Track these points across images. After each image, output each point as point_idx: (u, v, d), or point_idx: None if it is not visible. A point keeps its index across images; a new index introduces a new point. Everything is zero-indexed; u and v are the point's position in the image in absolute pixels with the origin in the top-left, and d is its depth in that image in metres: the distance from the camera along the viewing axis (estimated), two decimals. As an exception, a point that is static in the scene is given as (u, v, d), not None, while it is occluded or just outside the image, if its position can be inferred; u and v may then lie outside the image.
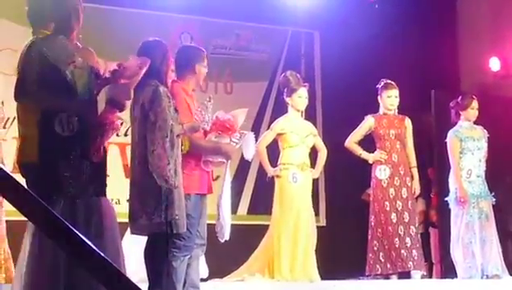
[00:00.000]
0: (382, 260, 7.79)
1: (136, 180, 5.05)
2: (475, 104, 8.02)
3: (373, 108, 8.10)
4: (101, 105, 4.30)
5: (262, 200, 8.73)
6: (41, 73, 4.23)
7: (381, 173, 7.89)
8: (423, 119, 8.90)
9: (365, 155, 8.00)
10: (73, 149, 4.21)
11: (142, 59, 4.63)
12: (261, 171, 9.27)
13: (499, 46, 9.65)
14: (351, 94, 9.54)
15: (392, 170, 7.88)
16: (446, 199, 8.02)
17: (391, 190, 7.86)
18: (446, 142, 8.04)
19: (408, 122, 8.05)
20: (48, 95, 4.21)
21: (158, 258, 5.12)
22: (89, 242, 2.68)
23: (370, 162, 7.98)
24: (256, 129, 9.70)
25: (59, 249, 3.08)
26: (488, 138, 8.00)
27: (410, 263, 7.75)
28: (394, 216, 7.81)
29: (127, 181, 5.21)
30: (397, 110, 8.03)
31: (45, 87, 4.22)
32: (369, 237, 7.89)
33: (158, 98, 5.05)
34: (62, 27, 4.36)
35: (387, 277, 7.82)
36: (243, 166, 9.48)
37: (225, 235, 5.74)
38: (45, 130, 4.20)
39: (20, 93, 4.29)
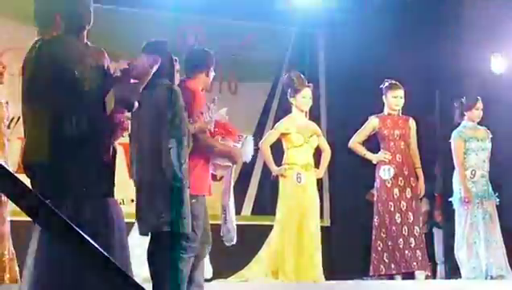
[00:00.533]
0: (386, 261, 7.78)
1: (145, 179, 5.02)
2: (479, 104, 8.02)
3: (378, 108, 8.10)
4: (111, 105, 4.29)
5: (266, 200, 8.74)
6: (51, 73, 4.22)
7: (386, 173, 7.88)
8: (427, 120, 8.89)
9: (369, 155, 8.00)
10: (82, 149, 4.20)
11: (152, 57, 4.62)
12: (265, 171, 9.28)
13: (502, 46, 9.63)
14: (355, 94, 9.53)
15: (396, 170, 7.87)
16: (450, 199, 8.02)
17: (395, 190, 7.85)
18: (450, 143, 8.04)
19: (412, 122, 8.05)
20: (58, 95, 4.21)
21: (163, 258, 5.11)
22: (94, 243, 2.68)
23: (374, 162, 7.97)
24: (260, 129, 9.74)
25: (65, 249, 3.08)
26: (491, 138, 8.00)
27: (414, 263, 7.75)
28: (398, 216, 7.81)
29: (131, 181, 5.20)
30: (401, 111, 8.03)
31: (55, 87, 4.21)
32: (373, 237, 7.88)
33: (176, 97, 5.06)
34: (72, 27, 4.35)
35: (391, 277, 7.81)
36: (247, 167, 9.48)
37: (234, 239, 5.77)
38: (54, 131, 4.19)
39: (29, 93, 4.28)
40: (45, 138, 4.19)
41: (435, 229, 9.94)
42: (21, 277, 5.38)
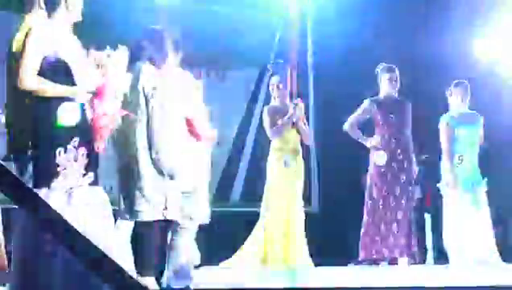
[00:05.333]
0: (379, 245, 7.77)
1: (135, 167, 5.01)
2: (467, 90, 8.00)
3: (366, 93, 8.10)
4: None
5: (255, 186, 8.72)
6: (43, 60, 4.21)
7: (380, 159, 7.86)
8: (419, 105, 8.88)
9: (363, 139, 7.98)
10: (73, 138, 4.20)
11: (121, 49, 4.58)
12: (253, 157, 9.29)
13: (490, 31, 9.63)
14: (344, 80, 9.51)
15: (390, 155, 7.85)
16: (438, 185, 8.01)
17: (389, 175, 7.84)
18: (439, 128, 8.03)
19: (408, 106, 8.03)
20: (51, 82, 4.21)
21: (152, 244, 5.11)
22: (79, 230, 2.67)
23: (368, 146, 7.95)
24: (248, 115, 9.73)
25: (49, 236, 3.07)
26: (482, 124, 7.99)
27: (406, 248, 7.76)
28: (392, 201, 7.80)
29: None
30: (397, 94, 8.02)
31: (44, 73, 4.20)
32: (366, 222, 7.86)
33: (162, 82, 5.05)
34: (57, 14, 4.35)
35: (378, 263, 7.81)
36: (236, 152, 9.50)
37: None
38: (45, 119, 4.19)
39: (22, 79, 4.25)
40: (36, 126, 4.20)
41: (426, 215, 9.93)
42: (9, 264, 5.37)
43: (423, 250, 9.10)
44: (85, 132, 4.25)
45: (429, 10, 9.65)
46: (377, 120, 7.97)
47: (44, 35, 4.20)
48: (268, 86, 8.20)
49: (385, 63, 8.10)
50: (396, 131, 7.93)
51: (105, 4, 8.87)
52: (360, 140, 8.01)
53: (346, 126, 8.02)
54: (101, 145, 4.31)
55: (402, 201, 7.83)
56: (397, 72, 7.97)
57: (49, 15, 4.33)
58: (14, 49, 4.28)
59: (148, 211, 5.00)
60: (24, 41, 4.21)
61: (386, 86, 7.97)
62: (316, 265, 7.66)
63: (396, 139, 7.91)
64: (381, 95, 8.03)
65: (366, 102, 8.02)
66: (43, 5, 4.33)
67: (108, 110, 4.28)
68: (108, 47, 4.46)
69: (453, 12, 9.42)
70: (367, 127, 8.11)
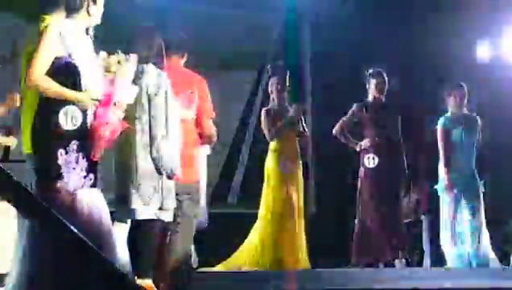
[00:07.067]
0: (371, 247, 7.79)
1: (133, 165, 5.02)
2: (464, 91, 8.00)
3: (364, 96, 8.11)
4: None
5: (253, 188, 8.73)
6: (55, 60, 4.24)
7: (370, 162, 7.88)
8: (414, 107, 8.90)
9: (352, 143, 8.01)
10: (74, 141, 4.22)
11: (132, 57, 4.58)
12: (251, 158, 9.29)
13: (489, 33, 9.65)
14: (340, 82, 9.52)
15: (380, 158, 7.87)
16: (435, 187, 8.02)
17: (379, 178, 7.86)
18: (436, 130, 8.03)
19: (397, 108, 8.05)
20: (56, 81, 4.23)
21: (148, 245, 5.12)
22: (77, 231, 2.69)
23: (358, 150, 7.98)
24: (246, 117, 9.73)
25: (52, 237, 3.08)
26: (480, 126, 8.00)
27: (399, 251, 7.77)
28: (382, 203, 7.81)
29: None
30: (384, 98, 8.04)
31: (56, 75, 4.23)
32: (357, 224, 7.88)
33: (165, 83, 5.07)
34: (79, 17, 4.39)
35: (373, 265, 7.82)
36: (233, 154, 9.49)
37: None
38: (47, 120, 4.21)
39: (29, 76, 4.27)
40: (37, 127, 4.23)
41: (423, 217, 9.93)
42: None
43: (419, 252, 9.13)
44: (86, 136, 4.27)
45: (429, 10, 9.66)
46: (365, 123, 8.00)
47: (60, 36, 4.22)
48: (266, 88, 8.21)
49: (384, 65, 8.11)
50: (385, 134, 7.95)
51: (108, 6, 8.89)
52: (349, 144, 8.03)
53: (335, 131, 8.05)
54: (99, 154, 4.33)
55: (393, 203, 7.84)
56: (385, 76, 7.99)
57: (69, 17, 4.36)
58: (30, 49, 4.31)
59: (143, 210, 5.00)
60: (39, 39, 4.23)
61: (374, 90, 8.00)
62: (314, 266, 7.66)
63: (385, 142, 7.93)
64: (369, 99, 8.06)
65: (354, 106, 8.06)
66: (63, 7, 4.37)
67: (111, 119, 4.30)
68: (119, 51, 4.48)
69: (453, 12, 9.44)
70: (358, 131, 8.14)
